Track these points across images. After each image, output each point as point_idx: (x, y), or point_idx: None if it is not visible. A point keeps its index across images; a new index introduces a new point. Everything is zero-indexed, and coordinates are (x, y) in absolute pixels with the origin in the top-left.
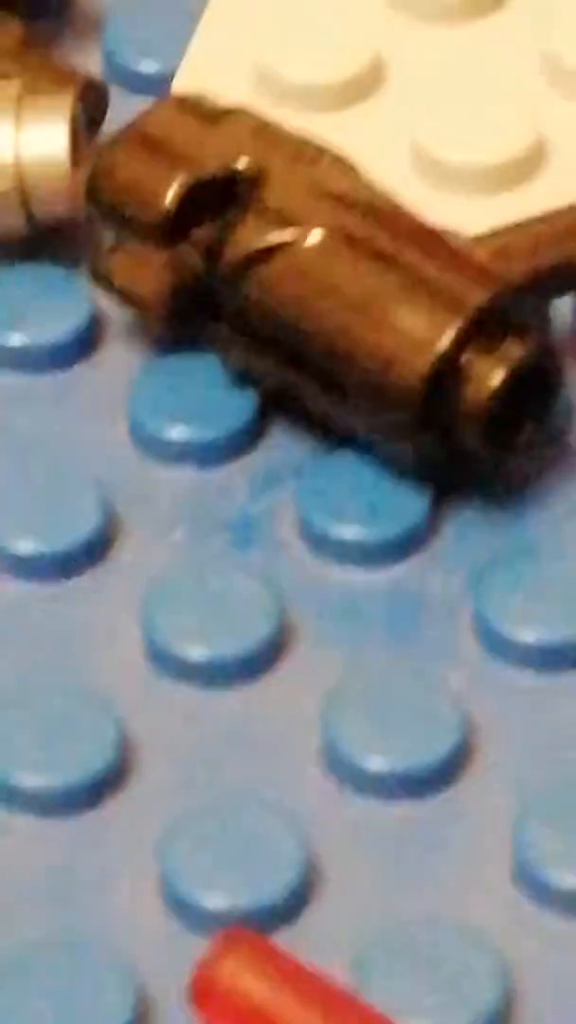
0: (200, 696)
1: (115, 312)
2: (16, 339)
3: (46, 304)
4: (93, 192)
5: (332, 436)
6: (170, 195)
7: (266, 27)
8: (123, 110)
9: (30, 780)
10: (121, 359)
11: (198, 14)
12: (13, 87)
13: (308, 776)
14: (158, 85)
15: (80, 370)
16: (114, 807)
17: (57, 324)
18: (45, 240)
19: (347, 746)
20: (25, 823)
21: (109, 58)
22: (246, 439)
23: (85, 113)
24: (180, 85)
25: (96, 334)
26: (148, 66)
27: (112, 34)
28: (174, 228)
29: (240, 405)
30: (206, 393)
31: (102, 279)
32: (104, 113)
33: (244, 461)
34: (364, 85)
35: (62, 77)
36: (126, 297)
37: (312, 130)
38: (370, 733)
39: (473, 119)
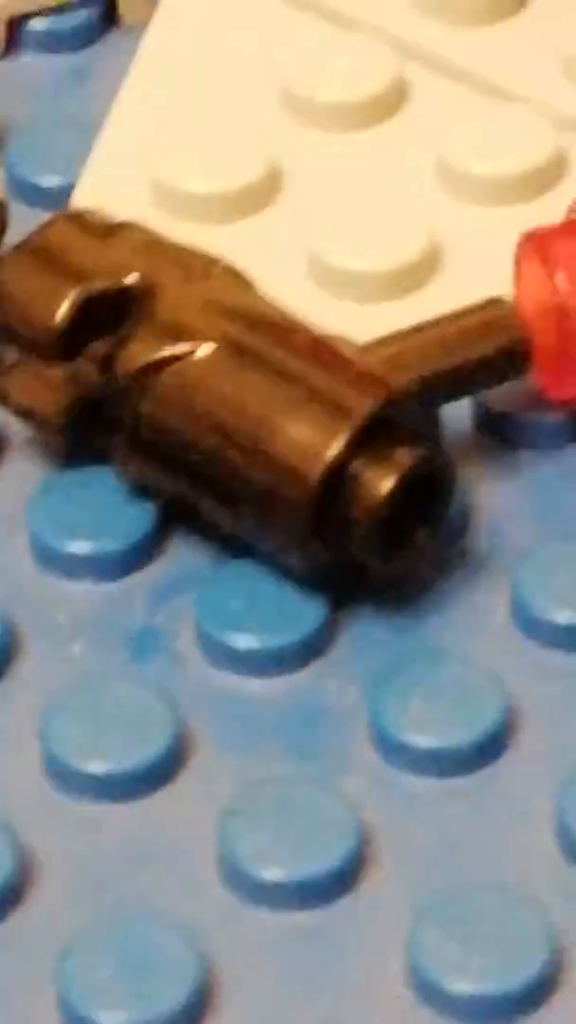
0: (98, 810)
1: (14, 426)
2: None
3: None
4: None
5: (230, 546)
6: (61, 311)
7: (164, 140)
8: (24, 224)
9: None
10: (20, 473)
11: (98, 128)
12: None
13: (206, 888)
14: (59, 199)
15: None
16: (11, 924)
17: None
18: None
19: (244, 857)
20: None
21: (10, 172)
22: (144, 552)
23: None
24: (79, 199)
25: None
26: (49, 180)
27: (13, 148)
28: (67, 344)
29: (138, 517)
30: (105, 506)
31: (1, 396)
32: (5, 228)
33: (143, 573)
34: (260, 194)
35: None
36: (24, 413)
37: (209, 240)
38: (267, 843)
39: (368, 226)
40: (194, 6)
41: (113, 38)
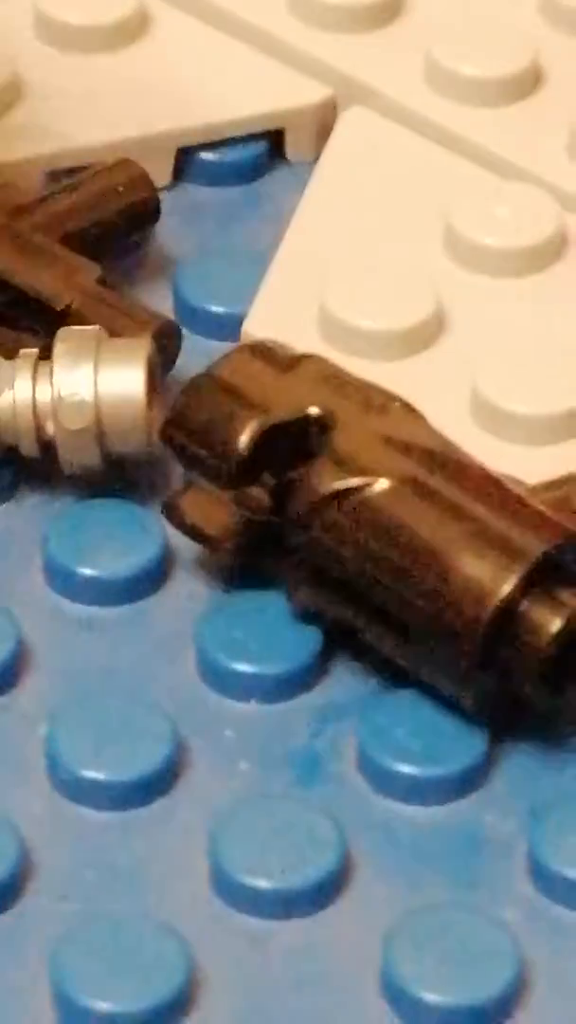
0: (264, 926)
1: (184, 546)
2: (89, 571)
3: (119, 538)
4: (170, 434)
5: (393, 673)
6: (244, 440)
7: (332, 276)
8: (192, 351)
9: (99, 1004)
10: (188, 591)
11: (266, 259)
12: (93, 329)
13: (369, 1007)
14: (226, 328)
15: (150, 603)
16: None
17: (129, 558)
18: (119, 476)
19: (405, 980)
20: None
21: (179, 299)
22: (310, 674)
23: (159, 354)
24: (250, 329)
25: (166, 568)
26: (217, 309)
27: (183, 277)
28: (246, 471)
29: (305, 641)
30: (271, 627)
31: (174, 515)
32: (176, 354)
33: (307, 696)
34: (425, 334)
35: (139, 319)
36: (196, 534)
37: (374, 377)
38: (430, 969)
39: (532, 369)
40: (361, 146)
41: (278, 172)
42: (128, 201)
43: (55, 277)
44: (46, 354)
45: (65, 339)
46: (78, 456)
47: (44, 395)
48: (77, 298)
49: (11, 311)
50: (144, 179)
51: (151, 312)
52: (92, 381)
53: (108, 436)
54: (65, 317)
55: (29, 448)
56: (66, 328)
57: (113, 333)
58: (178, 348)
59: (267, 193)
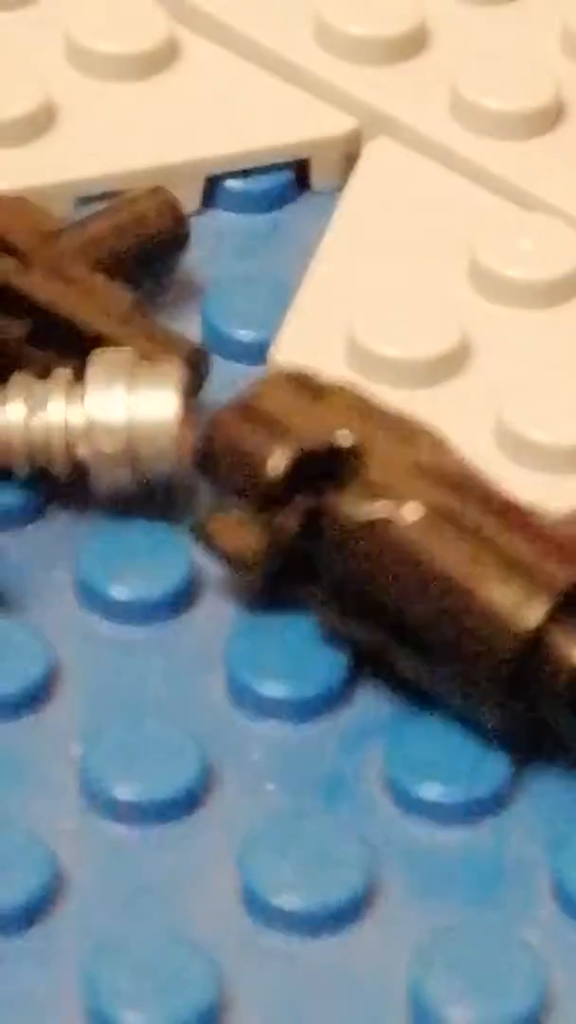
0: (292, 945)
1: (213, 568)
2: (118, 592)
3: (149, 558)
4: (203, 458)
5: (419, 696)
6: (276, 466)
7: (358, 304)
8: (219, 376)
9: (129, 1021)
10: (216, 612)
11: (291, 287)
12: (126, 351)
13: None
14: (254, 354)
15: (179, 624)
16: None
17: (159, 579)
18: (149, 498)
19: (432, 999)
20: None
21: (207, 325)
22: (337, 697)
23: (189, 378)
24: (278, 356)
25: (195, 589)
26: (245, 335)
27: (210, 302)
28: (278, 496)
29: (332, 663)
30: (299, 650)
31: (203, 538)
32: (205, 378)
33: (334, 718)
34: (451, 364)
35: (170, 343)
36: (225, 556)
37: (399, 405)
38: (456, 989)
39: (556, 399)
40: (386, 177)
41: (303, 201)
42: (159, 228)
43: (87, 302)
44: (78, 375)
45: (98, 361)
46: (110, 478)
47: (76, 417)
48: (109, 324)
49: (43, 335)
50: (175, 207)
51: (181, 338)
52: (125, 404)
53: (140, 459)
54: (97, 342)
55: (61, 469)
56: (99, 349)
57: (144, 358)
58: (207, 373)
59: (292, 222)
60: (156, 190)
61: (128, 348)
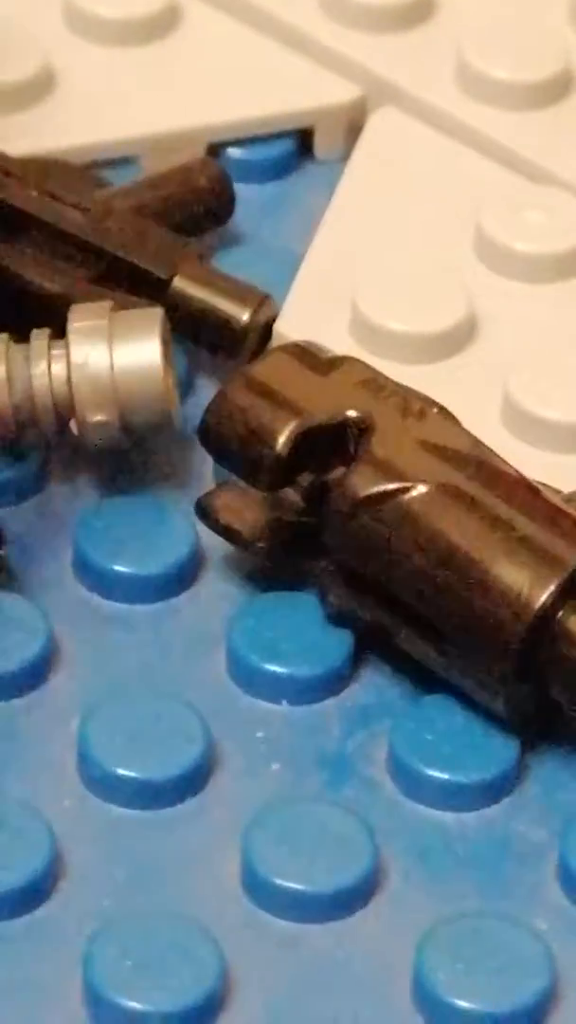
0: (295, 929)
1: (216, 546)
2: (120, 568)
3: (150, 535)
4: (207, 433)
5: (425, 677)
6: (283, 441)
7: (363, 278)
8: None
9: (130, 1004)
10: (221, 593)
11: (294, 256)
12: (104, 304)
13: (400, 1013)
14: None
15: (181, 602)
16: None
17: (160, 556)
18: (146, 462)
19: (437, 986)
20: None
21: None
22: (341, 677)
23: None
24: (282, 329)
25: (197, 567)
26: None
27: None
28: (284, 472)
29: (336, 643)
30: (303, 629)
31: (206, 514)
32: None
33: (338, 698)
34: (457, 338)
35: (240, 292)
36: (229, 533)
37: (404, 380)
38: (461, 975)
39: (564, 375)
40: (391, 146)
41: (308, 170)
42: (210, 197)
43: (159, 250)
44: (58, 334)
45: (77, 316)
46: (99, 432)
47: (60, 372)
48: (181, 268)
49: (109, 280)
50: (224, 178)
51: (249, 285)
52: (108, 355)
53: (127, 409)
54: (166, 287)
55: (49, 426)
56: (77, 305)
57: (216, 305)
58: (274, 318)
59: (295, 191)
60: (206, 161)
61: (107, 301)
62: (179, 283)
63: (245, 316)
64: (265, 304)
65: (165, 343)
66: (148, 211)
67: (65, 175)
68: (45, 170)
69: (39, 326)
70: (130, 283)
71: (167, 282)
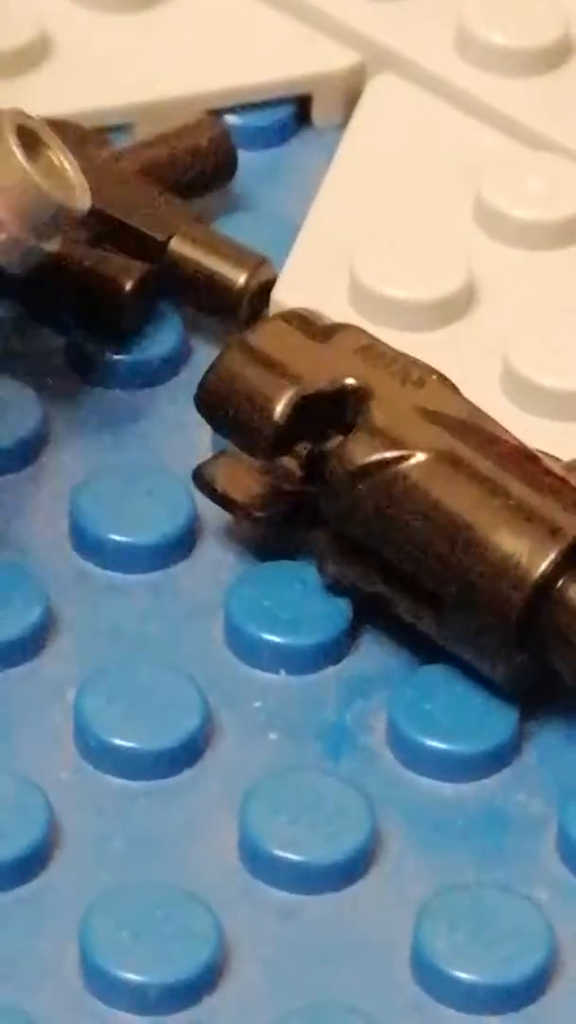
0: (293, 899)
1: (214, 515)
2: (117, 537)
3: (147, 504)
4: (204, 401)
5: (423, 648)
6: (280, 409)
7: (362, 245)
8: None
9: (127, 975)
10: (218, 562)
11: (292, 223)
12: None
13: (398, 983)
14: None
15: (178, 571)
16: (208, 1004)
17: (158, 525)
18: (149, 443)
19: (436, 956)
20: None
21: None
22: (339, 647)
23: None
24: (280, 297)
25: (195, 536)
26: None
27: None
28: (282, 440)
29: (334, 612)
30: (301, 599)
31: (204, 483)
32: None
33: (336, 668)
34: (456, 306)
35: (238, 254)
36: (226, 502)
37: (403, 348)
38: (460, 946)
39: (563, 342)
40: (389, 113)
41: (306, 137)
42: (212, 156)
43: (158, 213)
44: None
45: None
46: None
47: None
48: (179, 230)
49: (107, 241)
50: (226, 137)
51: (246, 247)
52: None
53: (23, 219)
54: (164, 249)
55: None
56: None
57: (213, 266)
58: (272, 281)
59: (293, 159)
60: (210, 120)
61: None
62: (176, 245)
63: (242, 278)
64: (262, 266)
65: (28, 135)
66: (151, 170)
67: (65, 135)
68: None
69: (36, 288)
70: (128, 244)
71: (164, 244)
